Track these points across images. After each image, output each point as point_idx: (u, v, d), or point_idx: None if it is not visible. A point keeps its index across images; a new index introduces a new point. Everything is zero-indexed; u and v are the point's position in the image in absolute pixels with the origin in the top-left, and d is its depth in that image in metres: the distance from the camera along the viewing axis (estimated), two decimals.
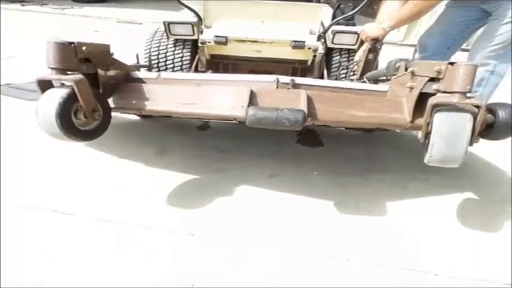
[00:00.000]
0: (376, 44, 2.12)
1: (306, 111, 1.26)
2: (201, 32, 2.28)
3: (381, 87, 1.58)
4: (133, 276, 1.26)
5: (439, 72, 1.19)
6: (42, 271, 1.25)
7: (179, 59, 2.32)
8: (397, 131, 2.19)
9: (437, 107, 1.16)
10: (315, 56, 2.25)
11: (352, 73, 2.29)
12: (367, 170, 1.94)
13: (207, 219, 1.54)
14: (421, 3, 1.91)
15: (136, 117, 2.30)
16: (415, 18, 2.04)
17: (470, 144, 1.15)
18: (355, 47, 2.25)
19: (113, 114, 1.39)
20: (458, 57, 2.43)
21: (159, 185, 1.72)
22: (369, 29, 2.11)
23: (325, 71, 2.35)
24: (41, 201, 1.56)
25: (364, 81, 2.06)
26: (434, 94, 1.21)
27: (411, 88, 1.36)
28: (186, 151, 2.03)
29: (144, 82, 1.54)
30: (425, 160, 1.20)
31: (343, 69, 2.32)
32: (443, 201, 1.74)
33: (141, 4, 7.25)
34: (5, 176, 1.71)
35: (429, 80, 1.25)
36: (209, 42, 2.18)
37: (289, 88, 1.43)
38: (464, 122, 1.13)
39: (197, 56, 2.32)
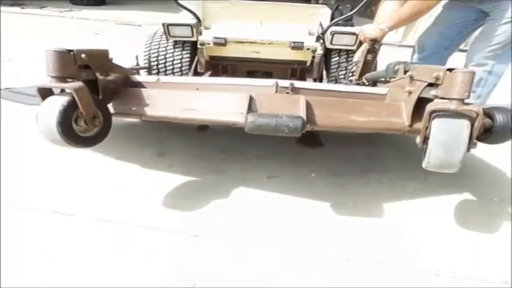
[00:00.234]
0: (374, 44, 2.13)
1: (304, 117, 1.28)
2: (200, 34, 2.29)
3: (380, 90, 1.59)
4: (133, 276, 1.25)
5: (437, 78, 1.20)
6: (42, 271, 1.24)
7: (178, 61, 2.32)
8: None
9: (435, 113, 1.16)
10: (313, 57, 2.26)
11: (351, 74, 2.30)
12: (366, 171, 1.95)
13: (207, 219, 1.54)
14: (419, 4, 1.92)
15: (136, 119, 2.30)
16: (413, 19, 2.05)
17: (468, 149, 1.16)
18: (353, 48, 2.26)
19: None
20: (456, 58, 2.45)
21: (159, 185, 1.72)
22: (367, 29, 2.12)
23: (324, 72, 2.36)
24: (41, 202, 1.56)
25: (363, 82, 2.07)
26: (432, 99, 1.21)
27: (410, 92, 1.36)
28: (185, 152, 2.03)
29: (143, 87, 1.55)
30: (423, 165, 1.22)
31: (342, 70, 2.33)
32: (443, 201, 1.74)
33: (140, 6, 7.26)
34: (5, 177, 1.71)
35: (427, 85, 1.26)
36: (208, 43, 2.19)
37: (288, 92, 1.45)
38: (462, 128, 1.13)
39: (196, 58, 2.32)
